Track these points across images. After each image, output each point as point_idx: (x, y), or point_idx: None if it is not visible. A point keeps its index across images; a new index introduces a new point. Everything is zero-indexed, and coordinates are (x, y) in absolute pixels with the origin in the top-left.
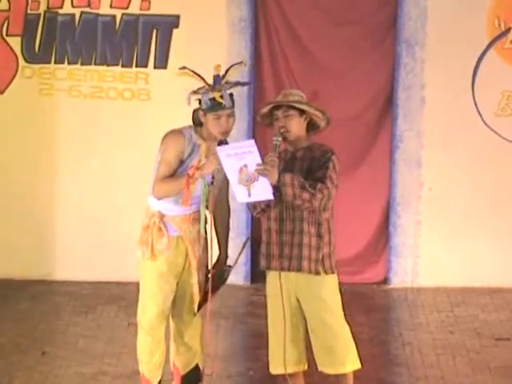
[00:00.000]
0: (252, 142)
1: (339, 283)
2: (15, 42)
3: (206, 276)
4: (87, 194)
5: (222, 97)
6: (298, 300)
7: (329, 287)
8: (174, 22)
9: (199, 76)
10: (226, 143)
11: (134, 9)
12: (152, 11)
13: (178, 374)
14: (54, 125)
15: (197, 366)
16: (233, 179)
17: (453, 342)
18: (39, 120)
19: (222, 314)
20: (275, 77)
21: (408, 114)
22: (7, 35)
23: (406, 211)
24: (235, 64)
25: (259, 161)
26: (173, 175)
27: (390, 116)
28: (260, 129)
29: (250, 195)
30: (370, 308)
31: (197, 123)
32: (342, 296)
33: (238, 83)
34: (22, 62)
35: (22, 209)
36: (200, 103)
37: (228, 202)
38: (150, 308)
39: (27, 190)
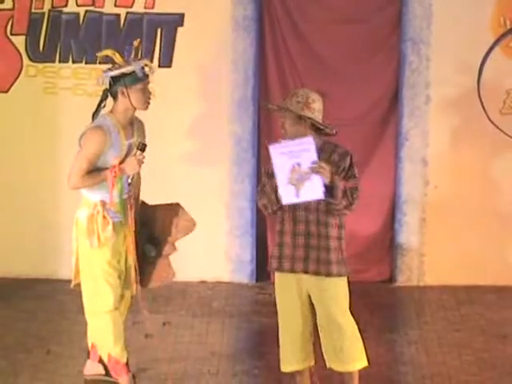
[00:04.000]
0: (310, 139)
1: None
2: (19, 41)
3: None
4: None
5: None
6: (309, 296)
7: (342, 287)
8: (178, 20)
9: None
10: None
11: (139, 7)
12: (156, 10)
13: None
14: (59, 123)
15: None
16: (282, 179)
17: (459, 341)
18: (44, 119)
19: (227, 312)
20: (280, 75)
21: (413, 112)
22: (11, 34)
23: (412, 209)
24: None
25: (315, 158)
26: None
27: (396, 114)
28: (265, 128)
29: (298, 195)
30: (376, 306)
31: (101, 104)
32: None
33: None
34: (26, 60)
35: (27, 208)
36: (120, 80)
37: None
38: (107, 292)
39: (31, 189)
